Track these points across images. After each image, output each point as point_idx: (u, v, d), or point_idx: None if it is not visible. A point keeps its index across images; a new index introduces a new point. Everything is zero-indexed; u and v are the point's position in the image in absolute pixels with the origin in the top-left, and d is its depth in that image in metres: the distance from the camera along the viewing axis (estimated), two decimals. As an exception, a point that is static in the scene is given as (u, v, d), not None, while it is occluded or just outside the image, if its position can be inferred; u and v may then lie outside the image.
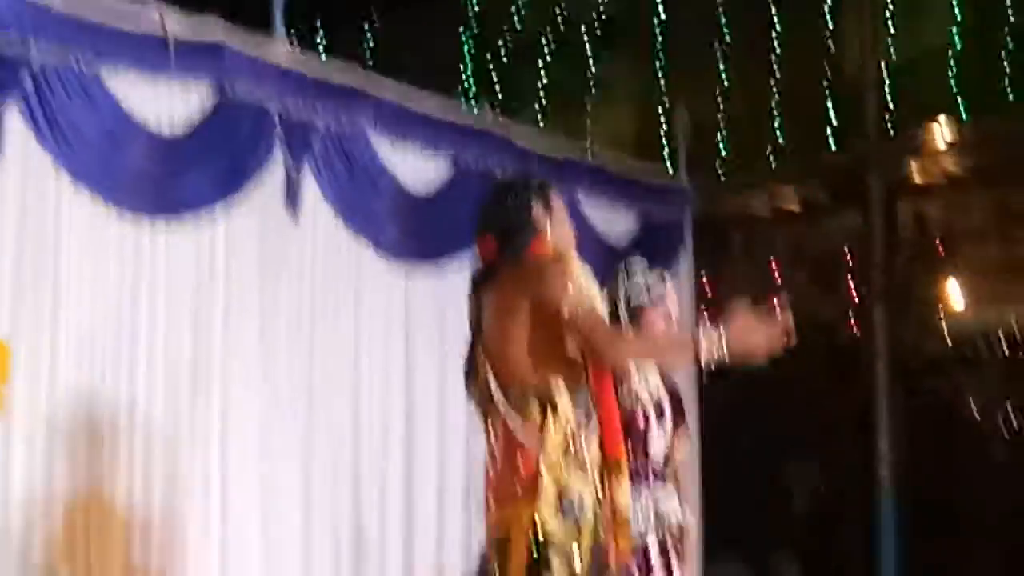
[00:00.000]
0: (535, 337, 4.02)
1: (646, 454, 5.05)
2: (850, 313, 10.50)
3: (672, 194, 9.21)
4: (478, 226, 4.39)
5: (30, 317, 5.87)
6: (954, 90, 10.54)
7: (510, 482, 4.00)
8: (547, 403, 4.01)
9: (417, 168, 7.68)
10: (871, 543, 9.48)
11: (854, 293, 10.48)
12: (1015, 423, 10.81)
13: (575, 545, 3.93)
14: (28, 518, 5.83)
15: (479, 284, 4.30)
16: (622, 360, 4.21)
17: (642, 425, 5.06)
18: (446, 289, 7.67)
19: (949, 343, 10.73)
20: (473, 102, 9.67)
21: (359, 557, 7.21)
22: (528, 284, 4.06)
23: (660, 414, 5.12)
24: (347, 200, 7.27)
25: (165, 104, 6.52)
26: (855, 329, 10.31)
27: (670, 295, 5.26)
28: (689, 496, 5.42)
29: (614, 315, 4.92)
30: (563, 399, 4.03)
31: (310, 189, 7.15)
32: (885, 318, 9.85)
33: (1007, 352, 10.63)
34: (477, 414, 4.23)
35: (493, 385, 4.09)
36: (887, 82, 10.47)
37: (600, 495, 4.05)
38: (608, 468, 4.10)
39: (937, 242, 11.02)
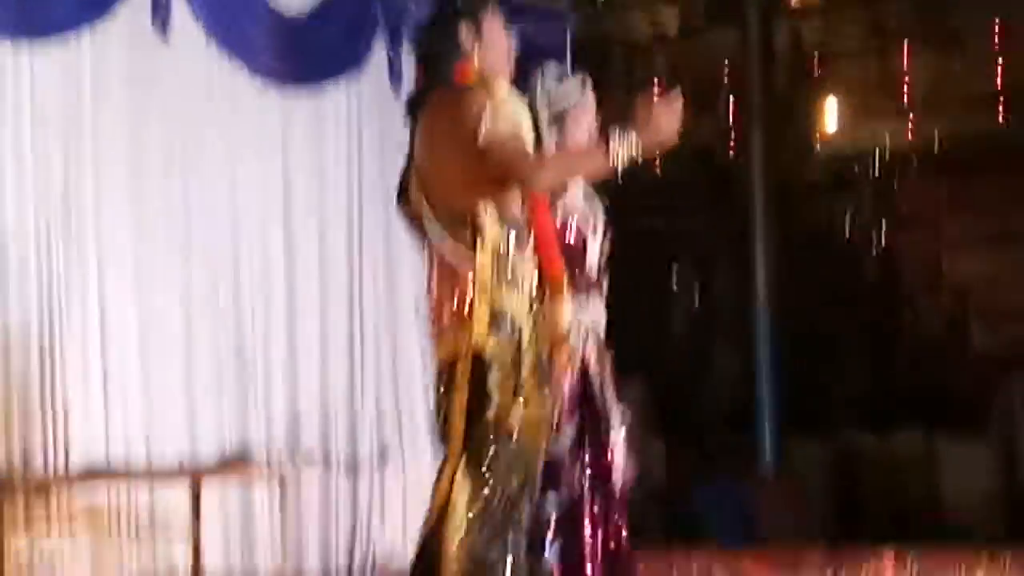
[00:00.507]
0: (461, 161, 4.00)
1: (584, 266, 5.01)
2: (729, 135, 10.53)
3: (552, 16, 9.07)
4: (416, 52, 4.46)
5: None
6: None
7: (448, 306, 4.05)
8: (476, 226, 4.05)
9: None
10: (749, 359, 9.76)
11: (733, 115, 10.53)
12: (885, 243, 11.11)
13: (513, 360, 4.00)
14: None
15: (413, 108, 4.22)
16: (544, 186, 4.17)
17: (578, 239, 5.01)
18: (325, 112, 7.61)
19: (823, 162, 10.89)
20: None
21: (243, 384, 7.17)
22: (449, 110, 4.03)
23: (593, 226, 5.07)
24: (218, 18, 6.99)
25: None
26: (733, 151, 10.33)
27: (590, 97, 5.12)
28: None
29: (535, 123, 4.87)
30: (491, 221, 4.01)
31: (179, 7, 6.85)
32: (764, 140, 9.93)
33: (880, 174, 10.86)
34: (413, 238, 4.24)
35: (425, 208, 4.12)
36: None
37: (537, 313, 4.10)
38: (547, 287, 4.19)
39: (814, 62, 11.12)
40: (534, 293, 4.06)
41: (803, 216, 10.65)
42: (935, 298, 10.99)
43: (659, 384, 10.09)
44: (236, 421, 7.02)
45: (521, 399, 3.99)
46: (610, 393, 5.00)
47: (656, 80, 11.06)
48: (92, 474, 6.23)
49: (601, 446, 4.92)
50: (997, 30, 10.34)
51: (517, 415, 3.97)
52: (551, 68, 5.22)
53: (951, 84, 10.54)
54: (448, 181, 4.05)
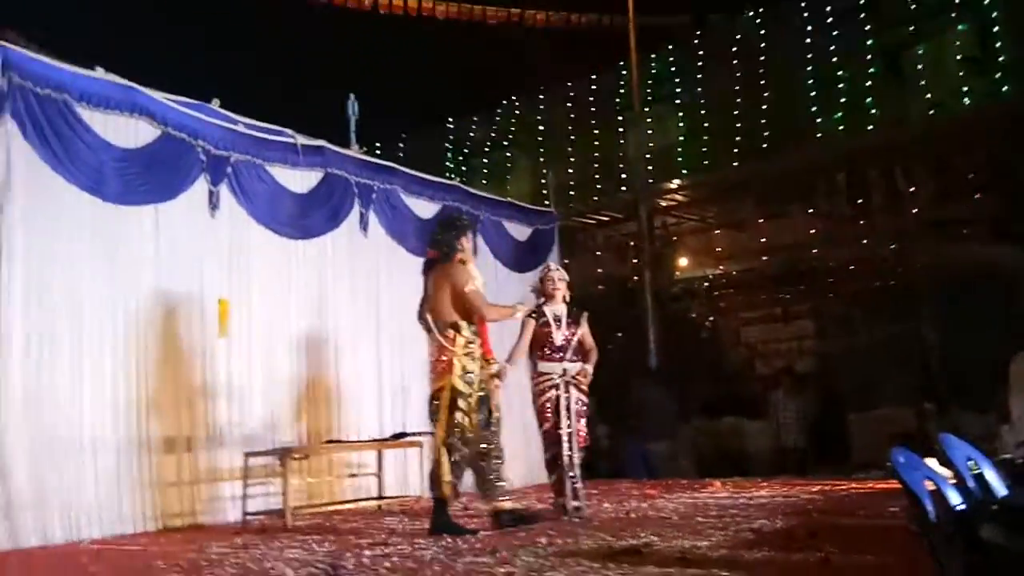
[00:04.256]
0: (451, 299, 4.29)
1: (554, 343, 4.90)
2: (634, 271, 10.47)
3: (548, 216, 9.04)
4: (430, 240, 4.57)
5: None
6: (679, 161, 10.63)
7: (438, 366, 4.26)
8: (456, 328, 4.27)
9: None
10: (636, 391, 9.19)
11: (636, 261, 10.47)
12: (711, 321, 11.02)
13: (470, 394, 4.24)
14: None
15: (426, 270, 4.46)
16: (489, 319, 4.38)
17: (547, 331, 4.93)
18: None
19: (681, 284, 10.81)
20: (453, 176, 9.67)
21: (403, 401, 6.85)
22: (451, 274, 4.32)
23: (559, 323, 4.96)
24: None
25: (300, 178, 6.39)
26: (636, 279, 10.26)
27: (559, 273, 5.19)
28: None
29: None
30: (463, 327, 4.28)
31: (374, 222, 6.81)
32: (650, 274, 9.87)
33: (708, 288, 10.80)
34: (425, 332, 4.39)
35: (431, 320, 4.32)
36: (648, 157, 10.48)
37: (482, 370, 4.30)
38: (485, 359, 4.35)
39: (673, 235, 11.13)
40: (480, 360, 4.30)
41: (670, 310, 10.55)
42: (736, 348, 10.88)
43: (605, 395, 9.91)
44: (397, 420, 6.69)
45: (471, 413, 4.22)
46: (573, 403, 4.83)
47: (598, 249, 11.13)
48: (330, 442, 6.12)
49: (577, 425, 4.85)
50: (761, 220, 10.36)
51: (471, 419, 4.22)
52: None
53: (739, 246, 10.51)
54: (445, 307, 4.28)
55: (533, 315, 4.94)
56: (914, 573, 2.75)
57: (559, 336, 4.91)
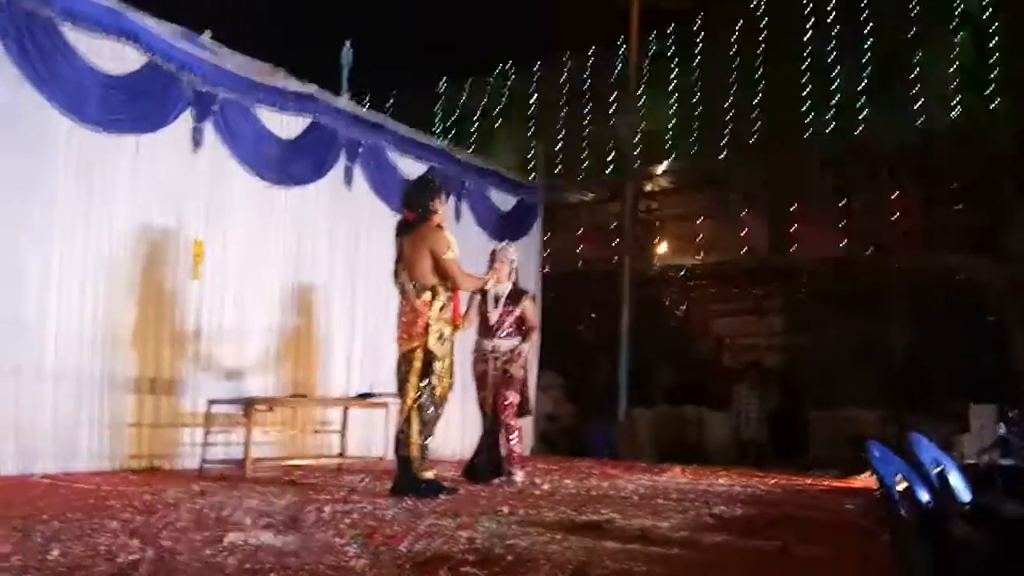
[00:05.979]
0: (428, 263, 4.30)
1: (487, 322, 5.28)
2: (613, 252, 10.44)
3: (532, 189, 9.03)
4: (405, 201, 4.51)
5: None
6: (667, 147, 10.62)
7: (412, 328, 4.28)
8: (434, 292, 4.30)
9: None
10: (615, 361, 9.42)
11: (617, 243, 10.41)
12: (684, 309, 11.05)
13: (444, 357, 4.31)
14: None
15: (401, 231, 4.43)
16: (463, 287, 4.50)
17: (484, 308, 5.30)
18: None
19: (658, 270, 10.81)
20: (441, 139, 9.50)
21: (372, 367, 6.85)
22: (428, 238, 4.31)
23: (496, 303, 5.28)
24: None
25: (287, 123, 6.27)
26: (616, 260, 10.20)
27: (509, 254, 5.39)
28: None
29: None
30: (440, 292, 4.32)
31: (359, 177, 6.75)
32: (630, 257, 9.82)
33: (685, 275, 10.81)
34: (398, 294, 4.41)
35: (406, 281, 4.34)
36: (637, 140, 10.42)
37: (453, 333, 4.41)
38: (454, 324, 4.42)
39: (656, 219, 11.13)
40: (450, 325, 4.37)
41: (645, 293, 10.47)
42: (705, 339, 10.95)
43: (573, 374, 10.01)
44: (366, 380, 6.65)
45: (445, 375, 4.32)
46: (502, 376, 5.20)
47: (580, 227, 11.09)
48: (296, 396, 6.08)
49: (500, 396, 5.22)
50: (743, 213, 10.40)
51: (443, 383, 4.30)
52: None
53: (719, 237, 10.53)
54: (423, 270, 4.28)
55: (481, 292, 5.26)
56: (867, 567, 2.83)
57: (493, 315, 5.25)
